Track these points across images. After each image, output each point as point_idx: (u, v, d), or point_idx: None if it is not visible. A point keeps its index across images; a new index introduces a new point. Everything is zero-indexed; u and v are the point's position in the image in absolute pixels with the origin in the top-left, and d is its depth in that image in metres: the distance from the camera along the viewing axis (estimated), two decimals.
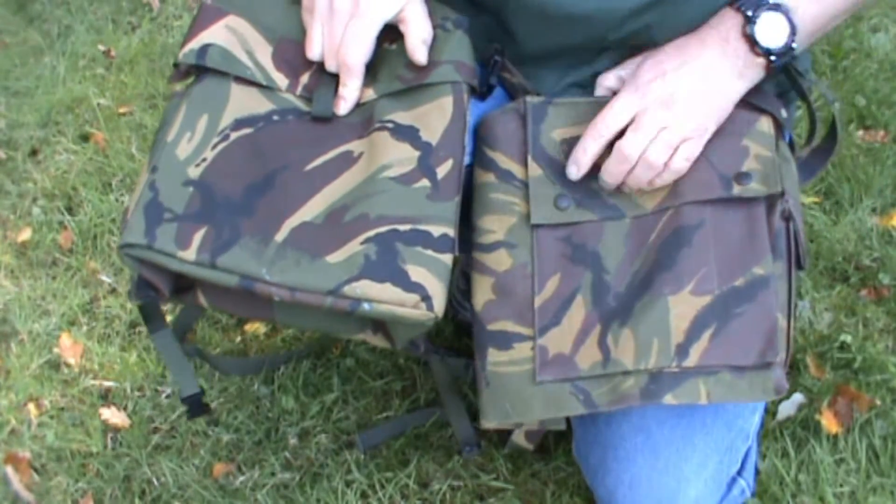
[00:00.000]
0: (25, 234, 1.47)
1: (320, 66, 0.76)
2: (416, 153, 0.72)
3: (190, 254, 0.67)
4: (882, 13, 1.75)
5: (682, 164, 0.73)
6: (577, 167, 0.75)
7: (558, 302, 0.74)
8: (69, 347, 1.26)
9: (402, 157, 0.72)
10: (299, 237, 0.68)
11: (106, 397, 1.20)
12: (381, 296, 0.66)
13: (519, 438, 1.01)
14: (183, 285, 0.72)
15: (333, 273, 0.67)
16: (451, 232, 0.70)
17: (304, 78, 0.77)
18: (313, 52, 0.76)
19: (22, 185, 1.58)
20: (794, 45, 0.71)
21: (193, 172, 0.71)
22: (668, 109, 0.71)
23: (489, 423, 0.74)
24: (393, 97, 0.75)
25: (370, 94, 0.76)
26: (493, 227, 0.76)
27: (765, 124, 0.75)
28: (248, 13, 0.78)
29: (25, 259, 1.43)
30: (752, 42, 0.71)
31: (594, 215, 0.75)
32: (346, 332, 0.73)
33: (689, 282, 0.71)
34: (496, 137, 0.79)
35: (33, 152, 1.67)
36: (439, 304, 0.67)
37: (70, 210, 1.51)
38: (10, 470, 1.12)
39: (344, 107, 0.75)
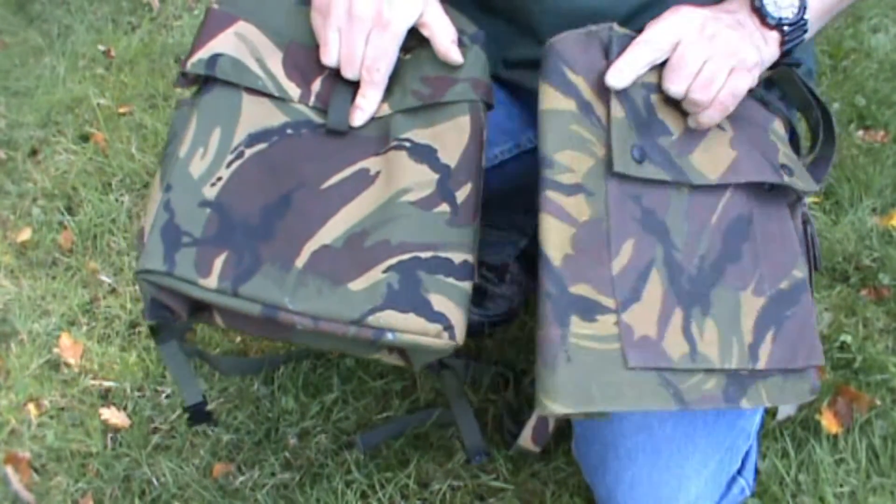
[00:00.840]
0: (25, 234, 1.47)
1: (333, 71, 0.75)
2: (435, 176, 0.71)
3: (211, 281, 0.66)
4: (882, 13, 1.75)
5: (729, 97, 0.68)
6: (620, 75, 0.68)
7: (635, 273, 0.65)
8: (69, 347, 1.26)
9: (421, 180, 0.70)
10: (319, 262, 0.67)
11: (106, 397, 1.20)
12: (405, 326, 0.65)
13: (526, 442, 1.01)
14: (200, 306, 0.71)
15: (356, 302, 0.66)
16: (470, 258, 0.69)
17: (316, 85, 0.75)
18: (330, 58, 0.73)
19: (22, 185, 1.58)
20: (805, 17, 0.70)
21: (209, 193, 0.70)
22: (712, 42, 0.68)
23: (563, 407, 0.61)
24: (409, 113, 0.74)
25: (385, 108, 0.75)
26: (573, 165, 0.66)
27: (778, 125, 0.76)
28: (256, 17, 0.76)
29: (25, 259, 1.43)
30: (762, 16, 0.70)
31: (667, 175, 0.68)
32: (362, 353, 0.72)
33: (752, 279, 0.69)
34: (578, 61, 0.69)
35: (33, 152, 1.67)
36: (460, 333, 0.67)
37: (70, 210, 1.51)
38: (10, 470, 1.12)
39: (360, 117, 0.73)
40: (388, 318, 0.65)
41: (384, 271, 0.67)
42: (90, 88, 1.78)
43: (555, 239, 0.65)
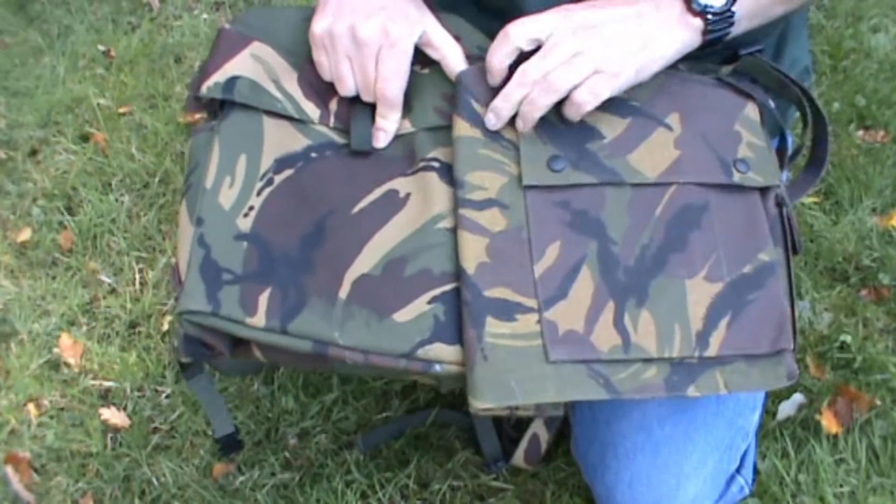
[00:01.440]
0: (25, 234, 1.47)
1: None
2: None
3: (259, 320, 0.66)
4: (882, 13, 1.75)
5: (586, 97, 0.68)
6: (491, 75, 0.71)
7: (562, 272, 0.68)
8: (69, 347, 1.26)
9: (454, 205, 0.70)
10: (362, 293, 0.67)
11: (106, 397, 1.20)
12: (453, 358, 0.66)
13: (518, 461, 1.01)
14: (239, 341, 0.70)
15: (405, 335, 0.66)
16: None
17: (333, 105, 0.74)
18: (347, 89, 0.72)
19: (22, 185, 1.58)
20: (732, 9, 0.68)
21: (243, 224, 0.69)
22: (589, 35, 0.67)
23: (485, 403, 0.64)
24: (432, 132, 0.73)
25: (407, 125, 0.74)
26: (485, 183, 0.70)
27: (751, 111, 0.75)
28: (270, 37, 0.75)
29: (25, 259, 1.43)
30: (687, 1, 0.68)
31: (592, 178, 0.71)
32: (398, 377, 0.72)
33: (702, 267, 0.69)
34: (482, 93, 0.73)
35: (33, 152, 1.67)
36: None
37: (70, 210, 1.51)
38: (10, 470, 1.12)
39: (384, 139, 0.73)
40: (437, 350, 0.66)
41: (429, 302, 0.67)
42: (90, 88, 1.78)
43: (469, 251, 0.68)
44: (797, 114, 0.80)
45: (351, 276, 0.67)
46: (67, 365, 1.24)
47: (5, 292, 1.37)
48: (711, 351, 0.67)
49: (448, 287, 0.67)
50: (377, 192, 0.71)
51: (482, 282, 0.67)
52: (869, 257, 1.26)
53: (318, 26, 0.71)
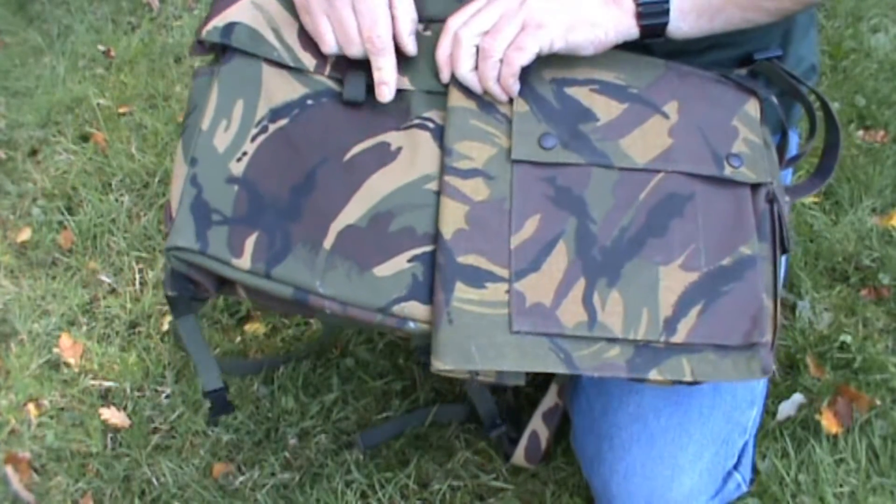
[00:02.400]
0: (25, 234, 1.47)
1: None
2: None
3: (244, 262, 0.67)
4: (882, 13, 1.75)
5: (511, 52, 0.69)
6: (442, 70, 0.73)
7: (538, 245, 0.69)
8: (69, 347, 1.26)
9: (441, 171, 0.72)
10: (346, 243, 0.69)
11: (106, 397, 1.20)
12: (426, 317, 0.68)
13: (519, 460, 1.01)
14: (225, 280, 0.72)
15: (383, 290, 0.68)
16: None
17: (332, 57, 0.75)
18: (328, 46, 0.72)
19: (22, 185, 1.58)
20: (667, 2, 0.69)
21: (236, 168, 0.70)
22: (522, 4, 0.69)
23: (445, 364, 0.66)
24: (430, 94, 0.74)
25: (406, 83, 0.74)
26: (472, 153, 0.72)
27: (752, 107, 0.75)
28: None
29: (25, 259, 1.43)
30: None
31: (581, 158, 0.72)
32: (374, 329, 0.73)
33: (679, 255, 0.70)
34: None
35: (33, 152, 1.67)
36: None
37: (70, 210, 1.51)
38: (10, 470, 1.12)
39: (387, 92, 0.72)
40: (412, 308, 0.68)
41: (409, 261, 0.69)
42: (90, 88, 1.78)
43: (448, 217, 0.70)
44: (803, 112, 0.80)
45: (337, 226, 0.69)
46: (67, 365, 1.24)
47: (5, 292, 1.37)
48: (678, 337, 0.67)
49: (429, 248, 0.69)
50: (369, 142, 0.72)
51: (457, 247, 0.69)
52: (869, 257, 1.26)
53: None
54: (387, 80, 0.72)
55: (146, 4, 2.07)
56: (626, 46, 0.73)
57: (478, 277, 0.68)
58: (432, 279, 0.68)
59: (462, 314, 0.67)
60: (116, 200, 1.50)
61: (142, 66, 1.84)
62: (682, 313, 0.68)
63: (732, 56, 0.79)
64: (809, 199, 1.35)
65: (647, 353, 0.68)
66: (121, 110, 1.72)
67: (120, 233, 1.44)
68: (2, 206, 1.55)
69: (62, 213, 1.49)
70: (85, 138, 1.67)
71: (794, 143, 0.98)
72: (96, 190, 1.53)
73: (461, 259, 0.69)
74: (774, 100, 0.77)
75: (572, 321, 0.68)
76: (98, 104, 1.73)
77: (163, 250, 1.36)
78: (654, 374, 0.67)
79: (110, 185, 1.54)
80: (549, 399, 0.98)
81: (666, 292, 0.68)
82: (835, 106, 1.54)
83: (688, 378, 0.68)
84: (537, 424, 1.00)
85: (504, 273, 0.69)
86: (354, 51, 0.72)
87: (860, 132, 1.48)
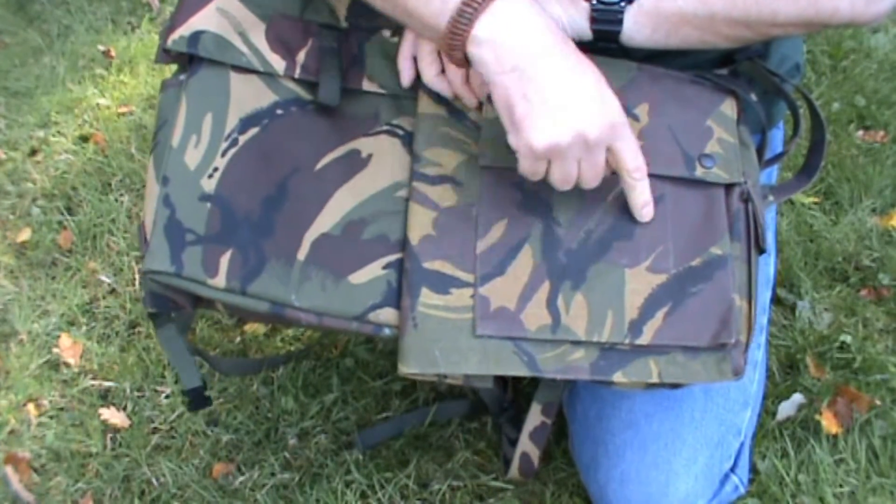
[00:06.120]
0: (25, 234, 1.47)
1: (317, 42, 0.74)
2: None
3: (220, 281, 0.68)
4: None
5: None
6: (403, 74, 0.73)
7: (504, 250, 0.70)
8: (69, 347, 1.26)
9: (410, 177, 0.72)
10: (320, 253, 0.69)
11: (105, 397, 1.20)
12: (399, 323, 0.69)
13: (514, 475, 1.01)
14: (202, 297, 0.72)
15: (358, 298, 0.69)
16: None
17: (301, 56, 0.75)
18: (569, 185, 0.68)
19: (21, 185, 1.58)
20: (621, 5, 0.68)
21: (208, 186, 0.70)
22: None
23: (410, 368, 0.67)
24: (398, 99, 0.75)
25: (375, 87, 0.75)
26: (441, 160, 0.72)
27: (728, 107, 0.75)
28: None
29: (25, 259, 1.43)
30: None
31: None
32: (349, 335, 0.74)
33: (646, 257, 0.70)
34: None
35: (33, 152, 1.67)
36: None
37: (70, 210, 1.51)
38: (9, 470, 1.12)
39: (648, 213, 0.70)
40: (387, 315, 0.69)
41: (383, 268, 0.69)
42: (90, 88, 1.78)
43: (416, 223, 0.71)
44: (787, 111, 0.80)
45: (310, 236, 0.70)
46: (67, 365, 1.24)
47: (5, 292, 1.37)
48: (644, 339, 0.67)
49: (402, 255, 0.70)
50: (340, 151, 0.73)
51: (423, 253, 0.70)
52: (869, 257, 1.26)
53: (539, 138, 0.63)
54: (649, 201, 0.70)
55: (146, 4, 2.07)
56: (607, 49, 0.73)
57: (443, 283, 0.69)
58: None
59: (427, 319, 0.68)
60: (116, 200, 1.50)
61: (142, 66, 1.84)
62: (649, 315, 0.68)
63: (714, 56, 0.78)
64: (809, 199, 1.36)
65: (612, 356, 0.68)
66: (120, 110, 1.72)
67: (120, 233, 1.44)
68: (1, 206, 1.55)
69: (62, 214, 1.49)
70: (85, 138, 1.67)
71: (779, 140, 0.97)
72: (96, 190, 1.53)
73: (427, 265, 0.69)
74: (754, 98, 0.76)
75: (535, 324, 0.68)
76: (98, 104, 1.73)
77: None
78: (618, 377, 0.68)
79: (110, 185, 1.54)
80: (534, 418, 0.96)
81: (632, 295, 0.69)
82: (834, 106, 1.54)
83: (654, 380, 0.68)
84: (526, 445, 0.98)
85: (469, 278, 0.69)
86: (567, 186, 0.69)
87: (860, 132, 1.48)
